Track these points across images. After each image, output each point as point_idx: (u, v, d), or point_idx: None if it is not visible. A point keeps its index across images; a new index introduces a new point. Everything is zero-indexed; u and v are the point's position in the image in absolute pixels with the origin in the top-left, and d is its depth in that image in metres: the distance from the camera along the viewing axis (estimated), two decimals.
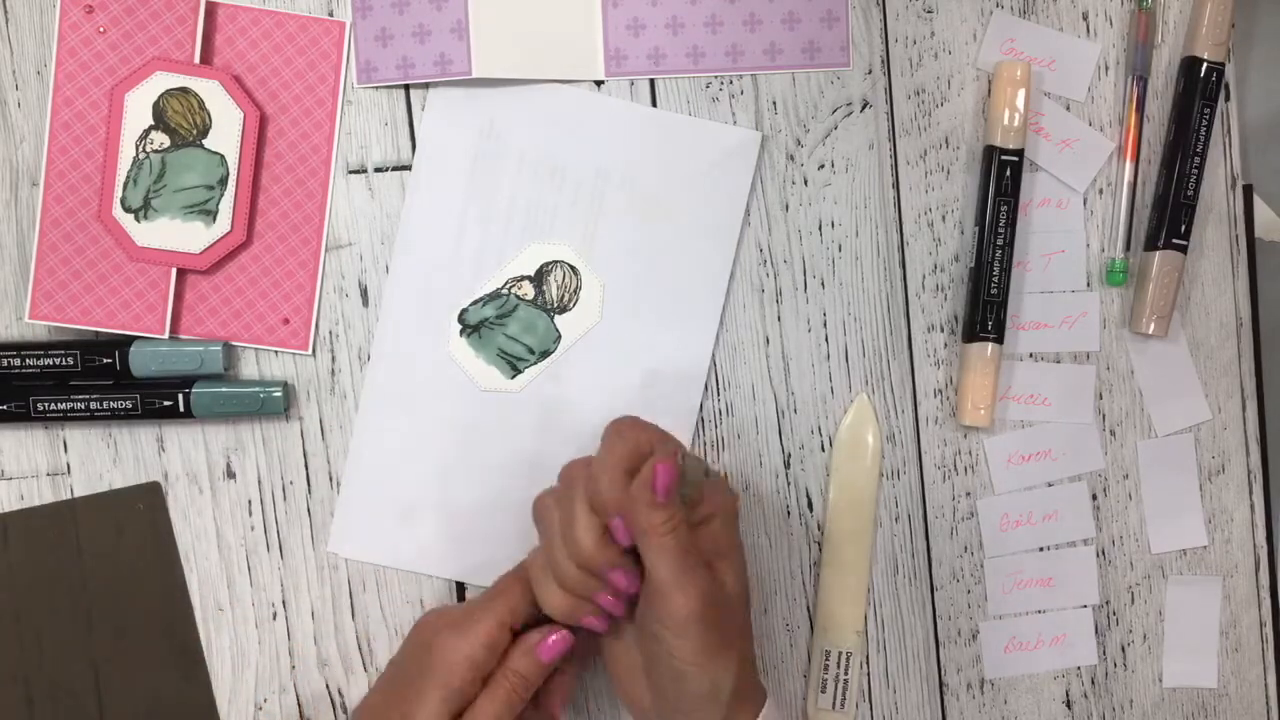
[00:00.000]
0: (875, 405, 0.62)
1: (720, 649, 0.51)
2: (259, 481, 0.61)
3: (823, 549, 0.62)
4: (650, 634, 0.52)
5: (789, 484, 0.62)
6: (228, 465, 0.60)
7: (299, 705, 0.61)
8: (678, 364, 0.61)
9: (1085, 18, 0.62)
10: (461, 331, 0.61)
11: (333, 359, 0.60)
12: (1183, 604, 0.64)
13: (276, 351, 0.60)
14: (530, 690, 0.53)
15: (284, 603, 0.61)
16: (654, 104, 0.61)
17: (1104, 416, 0.63)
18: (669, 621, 0.50)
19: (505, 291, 0.61)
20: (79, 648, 0.60)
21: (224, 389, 0.58)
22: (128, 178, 0.58)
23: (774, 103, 0.61)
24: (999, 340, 0.61)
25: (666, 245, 0.61)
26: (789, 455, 0.62)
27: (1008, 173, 0.60)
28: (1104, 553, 0.64)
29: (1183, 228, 0.61)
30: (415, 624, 0.56)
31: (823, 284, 0.62)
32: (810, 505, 0.62)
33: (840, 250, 0.62)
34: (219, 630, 0.61)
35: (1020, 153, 0.60)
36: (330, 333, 0.60)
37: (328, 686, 0.61)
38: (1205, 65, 0.61)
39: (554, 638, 0.54)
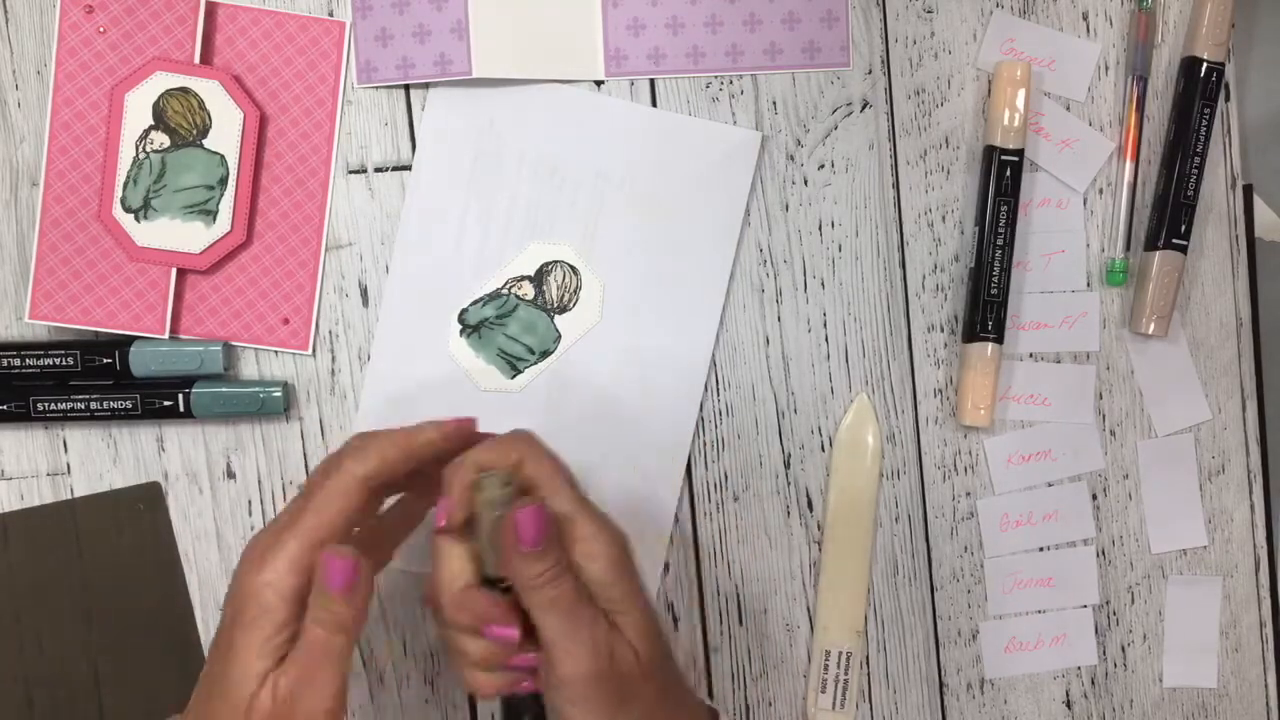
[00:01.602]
0: (875, 405, 0.62)
1: (617, 714, 0.45)
2: (259, 481, 0.61)
3: (823, 549, 0.62)
4: (549, 698, 0.47)
5: (789, 484, 0.62)
6: (228, 465, 0.60)
7: None
8: (678, 364, 0.61)
9: (1085, 18, 0.62)
10: (461, 331, 0.61)
11: (333, 359, 0.60)
12: (1183, 604, 0.64)
13: (276, 351, 0.60)
14: (352, 631, 0.45)
15: None
16: (654, 104, 0.61)
17: (1104, 416, 0.63)
18: (560, 685, 0.45)
19: (505, 291, 0.61)
20: (79, 648, 0.60)
21: (224, 389, 0.58)
22: (128, 178, 0.58)
23: (774, 103, 0.61)
24: (999, 340, 0.61)
25: (666, 245, 0.61)
26: (789, 455, 0.62)
27: (1008, 173, 0.60)
28: (1104, 553, 0.64)
29: (1183, 228, 0.61)
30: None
31: (823, 284, 0.62)
32: (810, 505, 0.62)
33: (840, 250, 0.62)
34: None
35: (1020, 153, 0.60)
36: (330, 333, 0.60)
37: None
38: (1205, 65, 0.61)
39: (336, 563, 0.45)
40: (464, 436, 0.50)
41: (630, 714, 0.46)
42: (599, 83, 0.60)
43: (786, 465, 0.62)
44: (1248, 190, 0.64)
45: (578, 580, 0.46)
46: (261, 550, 0.46)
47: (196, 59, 0.58)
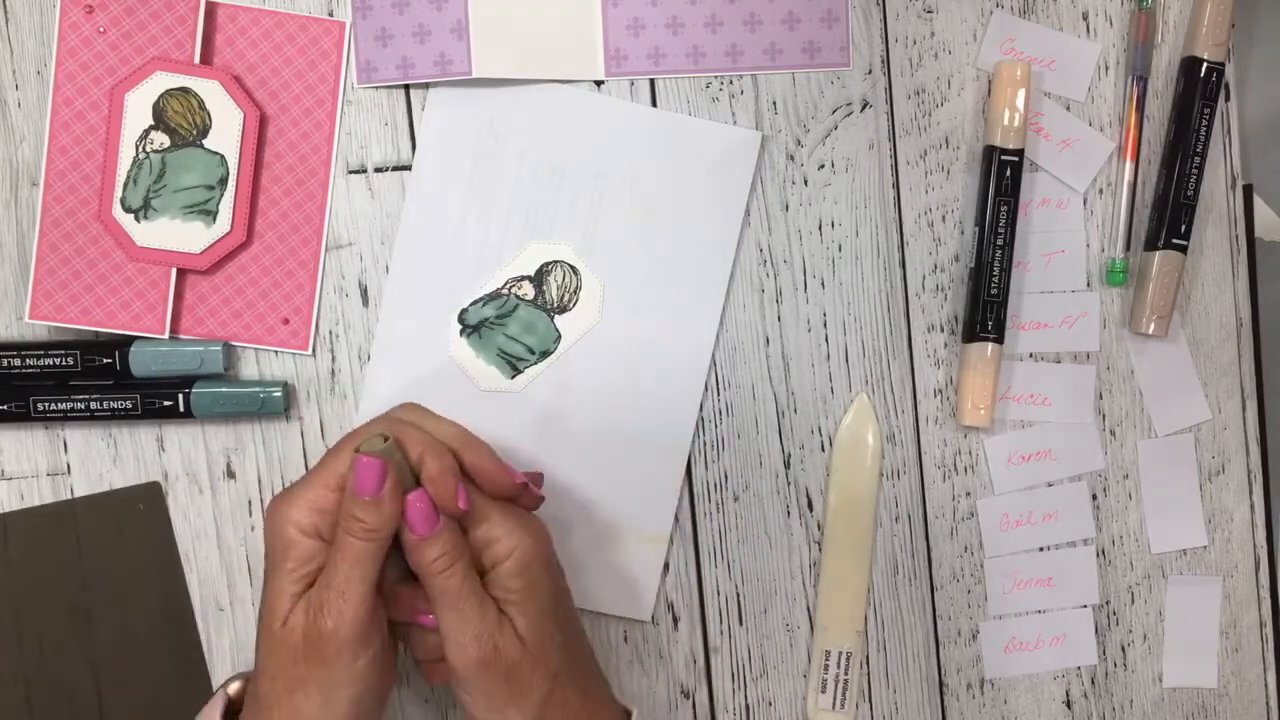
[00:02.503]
0: (875, 405, 0.62)
1: (508, 705, 0.48)
2: (259, 481, 0.61)
3: (823, 549, 0.62)
4: (451, 687, 0.50)
5: (789, 484, 0.62)
6: (228, 465, 0.60)
7: None
8: (678, 364, 0.61)
9: (1085, 18, 0.62)
10: (461, 331, 0.61)
11: (333, 359, 0.60)
12: (1183, 604, 0.64)
13: (276, 351, 0.60)
14: (378, 536, 0.47)
15: None
16: (654, 104, 0.61)
17: (1104, 416, 0.63)
18: (451, 671, 0.48)
19: (505, 291, 0.61)
20: (79, 648, 0.60)
21: (224, 389, 0.58)
22: (128, 178, 0.58)
23: (774, 103, 0.61)
24: (999, 340, 0.61)
25: (666, 245, 0.61)
26: (789, 455, 0.62)
27: (1008, 173, 0.60)
28: (1104, 553, 0.64)
29: (1183, 228, 0.61)
30: None
31: (823, 284, 0.62)
32: (810, 505, 0.62)
33: (840, 250, 0.62)
34: (219, 630, 0.61)
35: (1020, 153, 0.60)
36: (330, 333, 0.60)
37: None
38: (1205, 65, 0.61)
39: (365, 462, 0.47)
40: (495, 483, 0.51)
41: (523, 704, 0.48)
42: (599, 83, 0.60)
43: (786, 465, 0.62)
44: (1248, 190, 0.64)
45: (469, 570, 0.48)
46: (285, 497, 0.49)
47: (196, 59, 0.58)
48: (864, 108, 0.61)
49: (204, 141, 0.58)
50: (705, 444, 0.62)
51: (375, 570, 0.48)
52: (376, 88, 0.60)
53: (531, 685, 0.48)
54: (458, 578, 0.48)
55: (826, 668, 0.62)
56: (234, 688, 0.52)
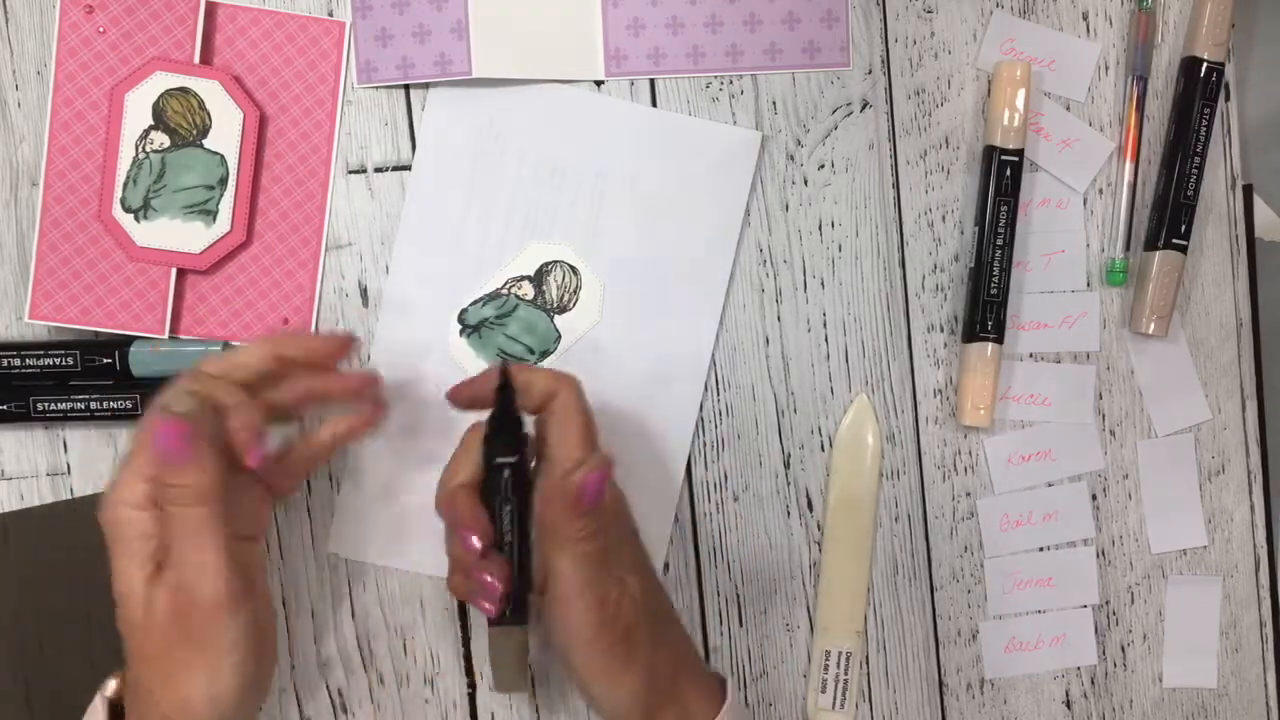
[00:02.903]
0: (875, 405, 0.62)
1: (623, 668, 0.49)
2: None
3: (823, 549, 0.62)
4: (558, 649, 0.51)
5: (789, 484, 0.62)
6: None
7: (299, 705, 0.61)
8: (677, 364, 0.61)
9: (1085, 18, 0.62)
10: (461, 331, 0.61)
11: None
12: (1183, 604, 0.64)
13: None
14: (205, 498, 0.46)
15: (284, 603, 0.61)
16: (654, 104, 0.61)
17: (1104, 416, 0.63)
18: (570, 630, 0.49)
19: (505, 291, 0.61)
20: (79, 648, 0.60)
21: None
22: (128, 178, 0.58)
23: (774, 103, 0.61)
24: (999, 340, 0.61)
25: (666, 245, 0.61)
26: (789, 455, 0.62)
27: (1008, 173, 0.60)
28: (1104, 553, 0.64)
29: (1183, 228, 0.61)
30: None
31: (823, 284, 0.62)
32: (810, 505, 0.62)
33: (840, 250, 0.62)
34: None
35: (1020, 153, 0.60)
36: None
37: (327, 686, 0.61)
38: (1205, 65, 0.61)
39: (161, 425, 0.46)
40: (318, 350, 0.53)
41: (631, 667, 0.49)
42: (599, 83, 0.60)
43: (786, 465, 0.62)
44: (1248, 190, 0.64)
45: (605, 541, 0.50)
46: (110, 483, 0.47)
47: (196, 59, 0.58)
48: (864, 108, 0.61)
49: (204, 141, 0.58)
50: (705, 444, 0.62)
51: (219, 532, 0.46)
52: (376, 88, 0.60)
53: (640, 648, 0.50)
54: (601, 544, 0.49)
55: (826, 668, 0.62)
56: (111, 688, 0.50)
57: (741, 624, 0.62)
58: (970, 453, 0.63)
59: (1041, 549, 0.63)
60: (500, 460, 0.51)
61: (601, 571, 0.49)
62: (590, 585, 0.49)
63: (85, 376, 0.58)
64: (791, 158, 0.61)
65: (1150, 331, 0.62)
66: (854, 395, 0.62)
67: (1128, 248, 0.62)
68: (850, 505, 0.62)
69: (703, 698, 0.52)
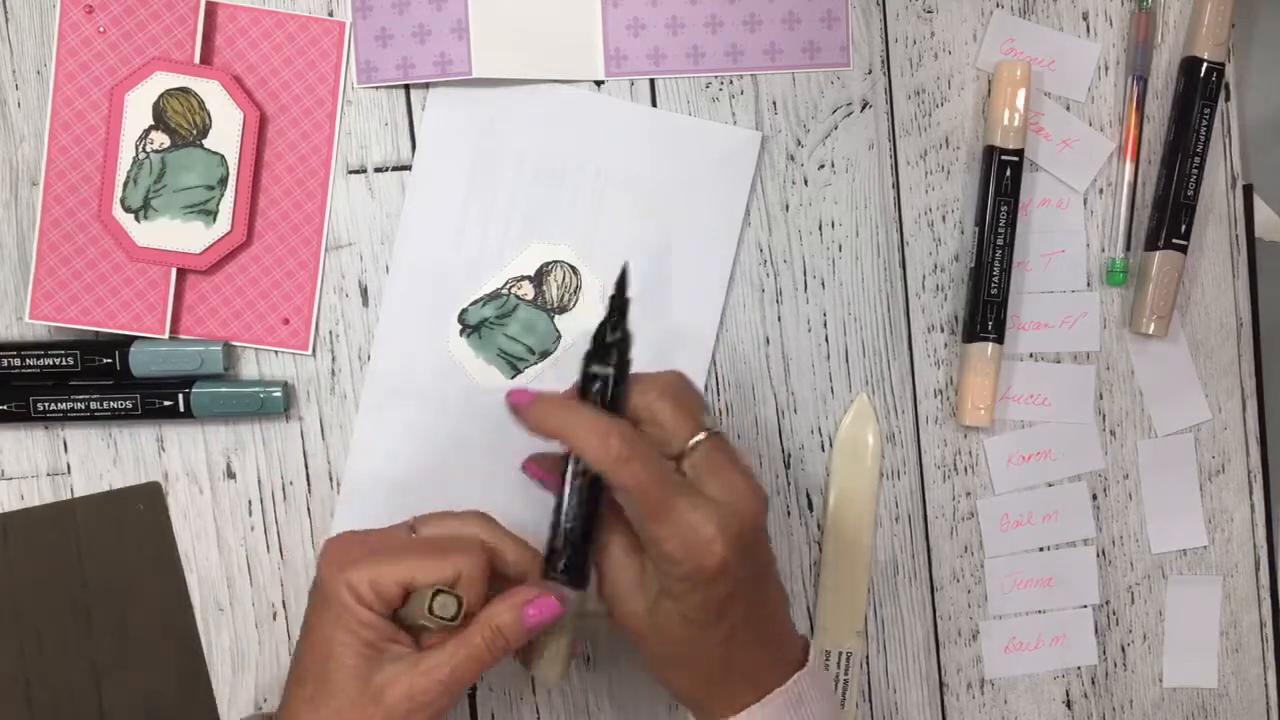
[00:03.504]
0: (875, 405, 0.62)
1: (717, 615, 0.47)
2: (259, 481, 0.60)
3: (823, 549, 0.62)
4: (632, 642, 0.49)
5: (789, 484, 0.62)
6: (228, 465, 0.60)
7: None
8: (678, 363, 0.61)
9: (1085, 18, 0.62)
10: (461, 331, 0.61)
11: (333, 359, 0.60)
12: (1183, 604, 0.64)
13: (276, 351, 0.60)
14: (505, 654, 0.48)
15: (284, 603, 0.61)
16: (654, 104, 0.61)
17: (1104, 416, 0.63)
18: (678, 578, 0.46)
19: (505, 291, 0.61)
20: (79, 648, 0.60)
21: (224, 389, 0.58)
22: (128, 178, 0.58)
23: (774, 103, 0.61)
24: (999, 340, 0.61)
25: (666, 245, 0.61)
26: (789, 455, 0.62)
27: (1008, 173, 0.60)
28: (1104, 553, 0.64)
29: (1183, 228, 0.61)
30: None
31: (823, 284, 0.62)
32: (810, 505, 0.62)
33: (840, 250, 0.62)
34: (219, 630, 0.61)
35: (1020, 153, 0.60)
36: (330, 333, 0.60)
37: None
38: (1205, 65, 0.61)
39: (540, 600, 0.48)
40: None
41: (725, 618, 0.47)
42: (599, 83, 0.60)
43: (786, 465, 0.62)
44: (1248, 190, 0.64)
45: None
46: (348, 559, 0.48)
47: (196, 59, 0.58)
48: (864, 108, 0.61)
49: (204, 141, 0.58)
50: None
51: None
52: (376, 88, 0.60)
53: (736, 603, 0.47)
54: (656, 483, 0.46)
55: (826, 668, 0.62)
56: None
57: None
58: (970, 453, 0.63)
59: (1042, 549, 0.63)
60: (596, 370, 0.49)
61: (710, 626, 0.47)
62: (697, 639, 0.47)
63: (85, 376, 0.58)
64: (791, 158, 0.61)
65: (1150, 331, 0.62)
66: (854, 395, 0.62)
67: (1128, 248, 0.62)
68: (850, 505, 0.62)
69: (772, 664, 0.49)
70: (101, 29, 0.58)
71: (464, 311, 0.60)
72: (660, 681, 0.50)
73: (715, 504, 0.46)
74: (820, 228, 0.62)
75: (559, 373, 0.61)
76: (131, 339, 0.58)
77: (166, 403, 0.58)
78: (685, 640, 0.47)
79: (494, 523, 0.51)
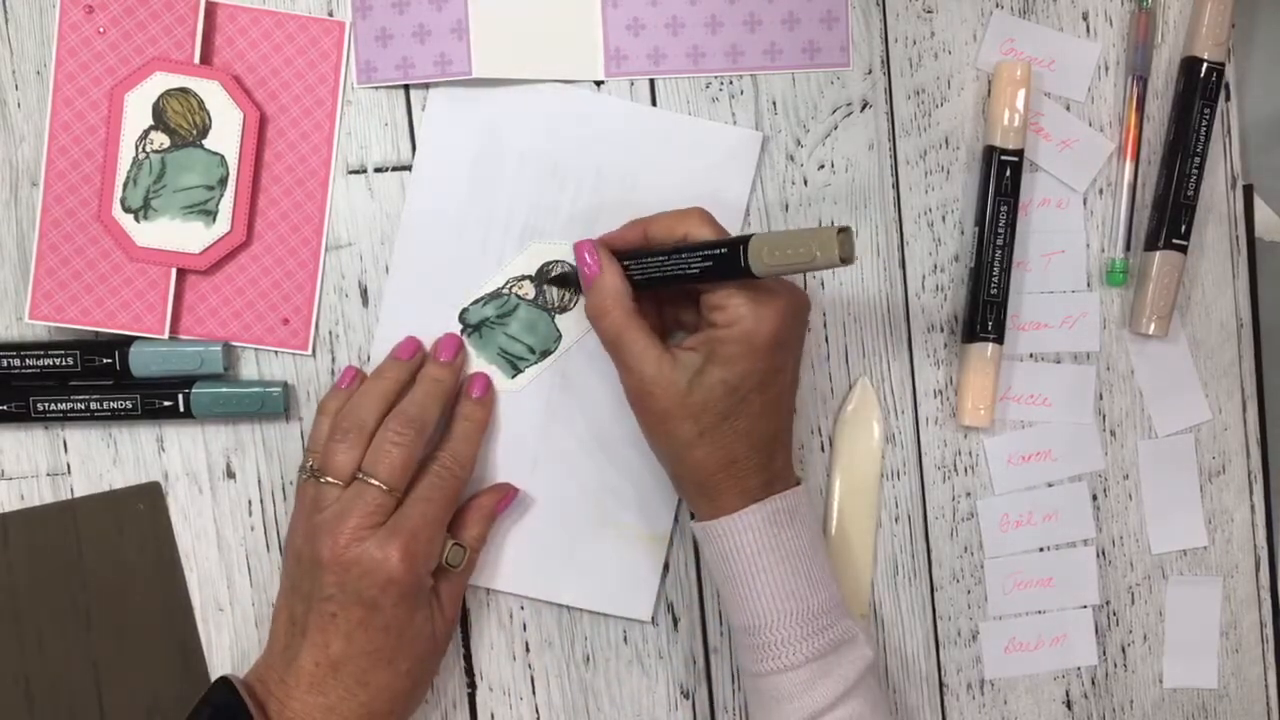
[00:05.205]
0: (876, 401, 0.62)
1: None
2: (259, 481, 0.61)
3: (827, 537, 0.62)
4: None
5: None
6: (228, 465, 0.60)
7: None
8: None
9: (1085, 18, 0.62)
10: (462, 331, 0.61)
11: (333, 359, 0.60)
12: (1183, 604, 0.64)
13: (276, 351, 0.60)
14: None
15: None
16: (654, 104, 0.61)
17: (1104, 416, 0.63)
18: (731, 338, 0.53)
19: (506, 291, 0.61)
20: (79, 648, 0.60)
21: (224, 389, 0.58)
22: (128, 178, 0.58)
23: (774, 103, 0.61)
24: (999, 340, 0.61)
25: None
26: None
27: (1008, 173, 0.60)
28: (1104, 553, 0.64)
29: (1183, 228, 0.61)
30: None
31: (823, 284, 0.62)
32: None
33: None
34: (219, 630, 0.61)
35: (1020, 153, 0.60)
36: (330, 333, 0.60)
37: None
38: (1205, 65, 0.61)
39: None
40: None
41: (766, 390, 0.53)
42: (599, 83, 0.60)
43: None
44: (1248, 190, 0.64)
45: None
46: (425, 543, 0.56)
47: (196, 59, 0.58)
48: (864, 108, 0.61)
49: (204, 141, 0.58)
50: None
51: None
52: (376, 88, 0.60)
53: (749, 402, 0.53)
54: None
55: None
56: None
57: None
58: (970, 453, 0.63)
59: (1042, 549, 0.63)
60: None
61: (749, 396, 0.53)
62: (730, 411, 0.53)
63: (85, 376, 0.58)
64: (791, 158, 0.61)
65: (1150, 332, 0.62)
66: (855, 379, 0.62)
67: (1128, 248, 0.62)
68: (851, 502, 0.62)
69: (777, 474, 0.55)
70: (101, 29, 0.58)
71: (464, 311, 0.60)
72: (675, 469, 0.55)
73: (774, 286, 0.53)
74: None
75: (558, 372, 0.61)
76: (131, 339, 0.58)
77: (166, 403, 0.58)
78: (719, 412, 0.52)
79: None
